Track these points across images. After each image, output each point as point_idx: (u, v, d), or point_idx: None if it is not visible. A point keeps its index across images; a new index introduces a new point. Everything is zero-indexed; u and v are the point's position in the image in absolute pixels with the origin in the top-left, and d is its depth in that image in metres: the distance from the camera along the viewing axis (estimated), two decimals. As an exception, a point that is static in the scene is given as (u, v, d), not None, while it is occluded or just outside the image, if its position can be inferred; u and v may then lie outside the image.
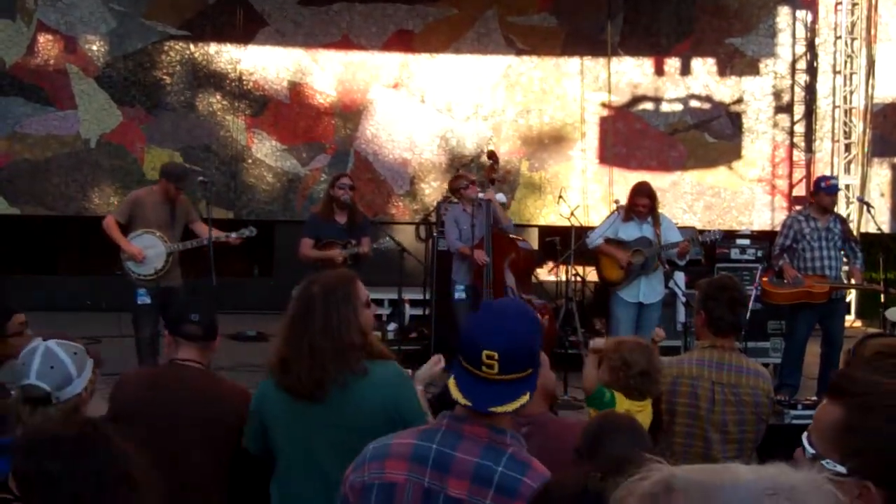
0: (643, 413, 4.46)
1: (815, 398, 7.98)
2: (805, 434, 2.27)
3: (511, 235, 9.59)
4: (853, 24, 14.20)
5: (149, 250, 8.60)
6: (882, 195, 14.40)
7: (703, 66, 14.48)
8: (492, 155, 9.69)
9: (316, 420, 3.71)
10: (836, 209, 9.55)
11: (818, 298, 8.93)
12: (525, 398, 2.68)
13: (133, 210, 8.73)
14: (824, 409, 2.26)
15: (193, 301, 4.60)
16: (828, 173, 14.39)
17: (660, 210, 9.27)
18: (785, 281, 9.01)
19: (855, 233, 13.82)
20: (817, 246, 9.04)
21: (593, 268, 9.95)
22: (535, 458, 2.75)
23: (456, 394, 2.67)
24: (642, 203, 8.99)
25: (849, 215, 14.08)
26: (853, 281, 9.46)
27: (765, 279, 9.23)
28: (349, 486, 2.77)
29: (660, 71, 14.46)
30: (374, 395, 3.68)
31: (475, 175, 10.60)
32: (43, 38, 13.43)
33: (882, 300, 9.85)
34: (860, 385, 2.37)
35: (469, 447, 2.68)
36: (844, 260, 9.36)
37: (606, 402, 4.34)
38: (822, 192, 9.21)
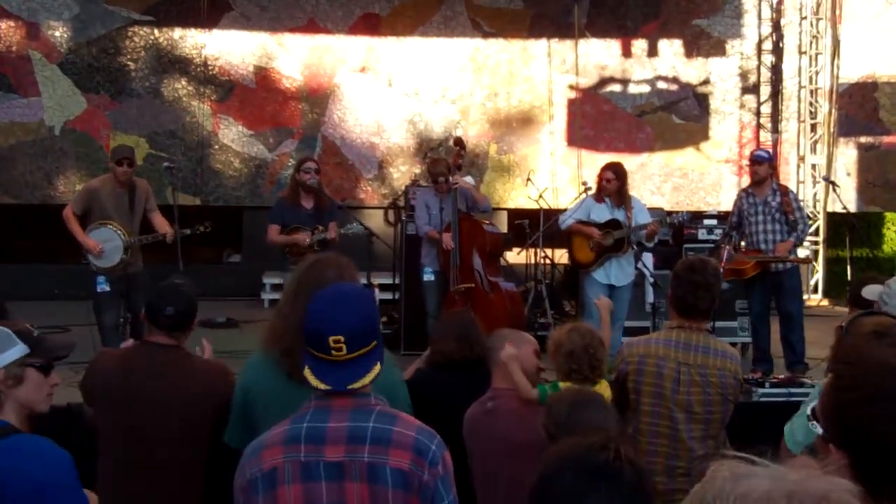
0: None
1: (781, 376, 8.06)
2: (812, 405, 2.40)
3: (483, 221, 9.56)
4: (818, 5, 14.26)
5: (106, 244, 8.48)
6: (848, 174, 14.49)
7: (670, 48, 14.51)
8: (458, 141, 9.67)
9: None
10: (777, 180, 9.46)
11: (746, 273, 8.96)
12: (377, 368, 2.92)
13: (89, 201, 8.60)
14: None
15: (172, 292, 4.52)
16: (792, 153, 14.53)
17: (629, 192, 9.33)
18: (721, 261, 9.03)
19: (821, 212, 13.96)
20: (754, 220, 9.04)
21: (562, 250, 9.98)
22: (401, 412, 3.03)
23: (314, 381, 2.87)
24: (606, 177, 9.09)
25: (815, 195, 14.19)
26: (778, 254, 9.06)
27: None
28: (238, 487, 2.92)
29: (627, 53, 14.47)
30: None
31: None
32: (5, 25, 13.27)
33: (849, 279, 9.92)
34: (849, 356, 2.45)
35: (339, 416, 2.88)
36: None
37: (543, 398, 4.36)
38: (749, 164, 9.32)
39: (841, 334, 3.05)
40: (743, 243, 9.23)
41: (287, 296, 3.91)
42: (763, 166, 9.14)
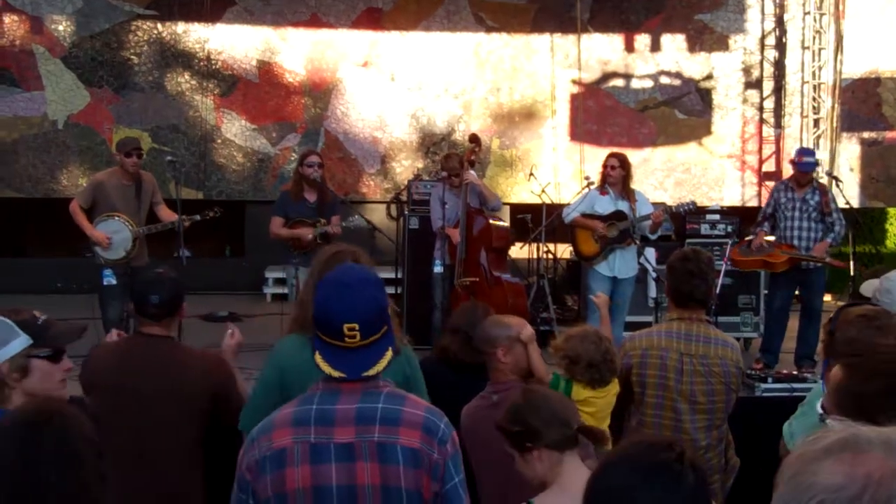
0: (607, 397, 4.53)
1: (785, 371, 8.06)
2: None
3: (492, 220, 9.56)
4: (821, 0, 14.24)
5: (115, 235, 8.55)
6: (851, 170, 14.48)
7: (673, 43, 14.49)
8: (475, 138, 9.70)
9: None
10: (817, 180, 9.52)
11: (777, 268, 9.01)
12: (389, 353, 2.93)
13: (95, 194, 8.67)
14: (833, 371, 2.39)
15: (155, 281, 4.54)
16: (795, 149, 14.47)
17: (632, 186, 9.30)
18: (752, 249, 9.11)
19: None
20: (790, 216, 9.11)
21: (565, 245, 9.96)
22: (410, 394, 3.06)
23: (326, 368, 2.87)
24: (610, 164, 9.06)
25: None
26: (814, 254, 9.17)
27: (736, 247, 9.30)
28: (245, 467, 2.92)
29: (630, 47, 14.46)
30: (396, 369, 3.76)
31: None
32: (8, 19, 13.28)
33: (850, 274, 9.92)
34: (856, 346, 2.46)
35: (348, 398, 2.88)
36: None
37: (555, 384, 4.41)
38: (794, 166, 9.32)
39: (830, 327, 3.08)
40: (772, 237, 9.26)
41: (309, 286, 3.91)
42: (808, 173, 9.27)
